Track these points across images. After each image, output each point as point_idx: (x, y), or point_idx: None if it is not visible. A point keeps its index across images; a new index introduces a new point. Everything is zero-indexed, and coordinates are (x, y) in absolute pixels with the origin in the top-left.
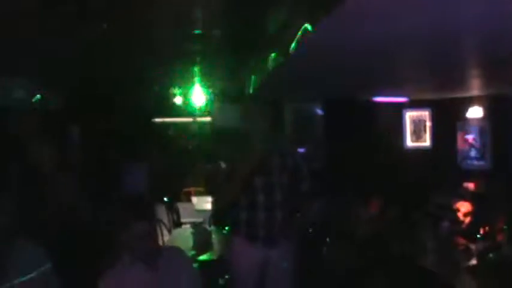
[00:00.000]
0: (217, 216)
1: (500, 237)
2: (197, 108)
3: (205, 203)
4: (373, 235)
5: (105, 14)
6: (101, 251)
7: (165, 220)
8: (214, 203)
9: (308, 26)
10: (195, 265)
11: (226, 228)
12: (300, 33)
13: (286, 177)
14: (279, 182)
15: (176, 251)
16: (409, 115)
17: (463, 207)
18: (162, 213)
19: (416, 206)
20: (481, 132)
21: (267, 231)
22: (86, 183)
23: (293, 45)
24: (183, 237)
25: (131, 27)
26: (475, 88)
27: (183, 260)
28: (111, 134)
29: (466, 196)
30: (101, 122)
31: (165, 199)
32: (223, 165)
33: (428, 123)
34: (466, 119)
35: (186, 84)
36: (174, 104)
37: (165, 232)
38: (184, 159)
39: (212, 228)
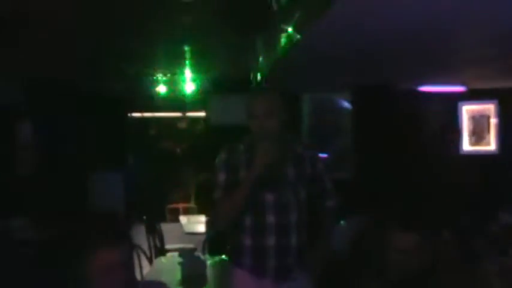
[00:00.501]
0: (213, 241)
1: None
2: (187, 99)
3: (198, 224)
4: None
5: None
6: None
7: (145, 246)
8: (209, 224)
9: None
10: None
11: (225, 257)
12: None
13: (303, 192)
14: (294, 198)
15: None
16: (467, 110)
17: None
18: (140, 236)
19: (477, 230)
20: None
21: (279, 262)
22: (38, 197)
23: (313, 17)
24: (168, 269)
25: None
26: None
27: None
28: (73, 134)
29: None
30: (59, 118)
31: (145, 218)
32: (220, 174)
33: (493, 120)
34: None
35: (172, 68)
36: (156, 94)
37: (145, 262)
38: (170, 166)
39: (207, 257)
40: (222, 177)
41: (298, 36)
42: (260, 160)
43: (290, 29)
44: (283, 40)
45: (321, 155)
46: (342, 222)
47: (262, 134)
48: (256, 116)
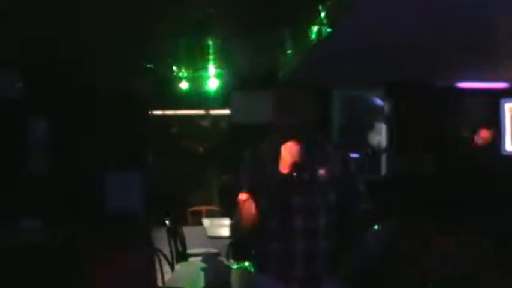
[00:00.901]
0: (238, 246)
1: None
2: (210, 96)
3: (221, 228)
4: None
5: None
6: None
7: (166, 251)
8: (233, 228)
9: None
10: None
11: (250, 263)
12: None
13: (333, 194)
14: (323, 201)
15: None
16: (510, 107)
17: None
18: (161, 241)
19: None
20: None
21: (307, 268)
22: (51, 198)
23: (344, 9)
24: (191, 274)
25: None
26: None
27: None
28: (91, 131)
29: None
30: (76, 114)
31: (166, 222)
32: (245, 175)
33: None
34: None
35: (195, 64)
36: (179, 90)
37: (166, 268)
38: (192, 166)
39: (231, 262)
40: (246, 176)
41: (329, 30)
42: (287, 160)
43: (320, 22)
44: (313, 33)
45: (352, 155)
46: (375, 226)
47: (290, 132)
48: (284, 112)
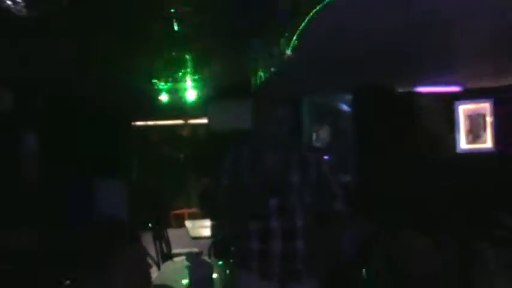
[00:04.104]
0: (219, 245)
1: None
2: (188, 107)
3: (203, 229)
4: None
5: None
6: None
7: (152, 252)
8: (213, 229)
9: None
10: None
11: (231, 260)
12: (319, 6)
13: (309, 196)
14: (299, 202)
15: None
16: (464, 109)
17: None
18: (147, 243)
19: (481, 231)
20: None
21: (285, 265)
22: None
23: (310, 22)
24: (176, 273)
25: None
26: None
27: None
28: (78, 141)
29: None
30: (63, 126)
31: (150, 225)
32: (225, 179)
33: (489, 119)
34: None
35: (174, 77)
36: (159, 102)
37: (153, 268)
38: (173, 173)
39: (213, 260)
40: (226, 181)
41: (296, 41)
42: (266, 166)
43: (288, 34)
44: (282, 46)
45: (324, 157)
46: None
47: (270, 140)
48: (264, 122)
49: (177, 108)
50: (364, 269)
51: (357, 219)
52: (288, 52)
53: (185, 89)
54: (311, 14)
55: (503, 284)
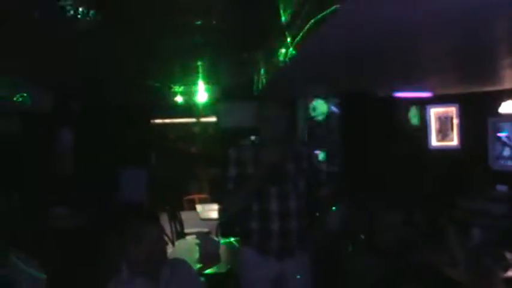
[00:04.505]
0: (225, 225)
1: None
2: (200, 107)
3: (211, 212)
4: (398, 243)
5: (98, 4)
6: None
7: (167, 231)
8: (220, 212)
9: (321, 14)
10: (201, 279)
11: (236, 238)
12: (312, 22)
13: (302, 184)
14: (294, 189)
15: (181, 263)
16: (434, 112)
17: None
18: (163, 223)
19: (443, 211)
20: None
21: (282, 242)
22: (81, 190)
23: (305, 36)
24: (188, 249)
25: (127, 20)
26: (509, 80)
27: (189, 273)
28: (106, 137)
29: (499, 200)
30: (95, 124)
31: (167, 207)
32: (231, 169)
33: (455, 121)
34: (498, 115)
35: (187, 81)
36: (174, 102)
37: (168, 244)
38: (186, 163)
39: (220, 238)
40: (232, 171)
41: (294, 52)
42: (269, 160)
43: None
44: (281, 55)
45: (314, 151)
46: (334, 208)
47: (273, 137)
48: (268, 120)
49: (190, 108)
50: (348, 244)
51: (342, 201)
52: (287, 60)
53: (197, 92)
54: (307, 26)
55: (460, 255)
